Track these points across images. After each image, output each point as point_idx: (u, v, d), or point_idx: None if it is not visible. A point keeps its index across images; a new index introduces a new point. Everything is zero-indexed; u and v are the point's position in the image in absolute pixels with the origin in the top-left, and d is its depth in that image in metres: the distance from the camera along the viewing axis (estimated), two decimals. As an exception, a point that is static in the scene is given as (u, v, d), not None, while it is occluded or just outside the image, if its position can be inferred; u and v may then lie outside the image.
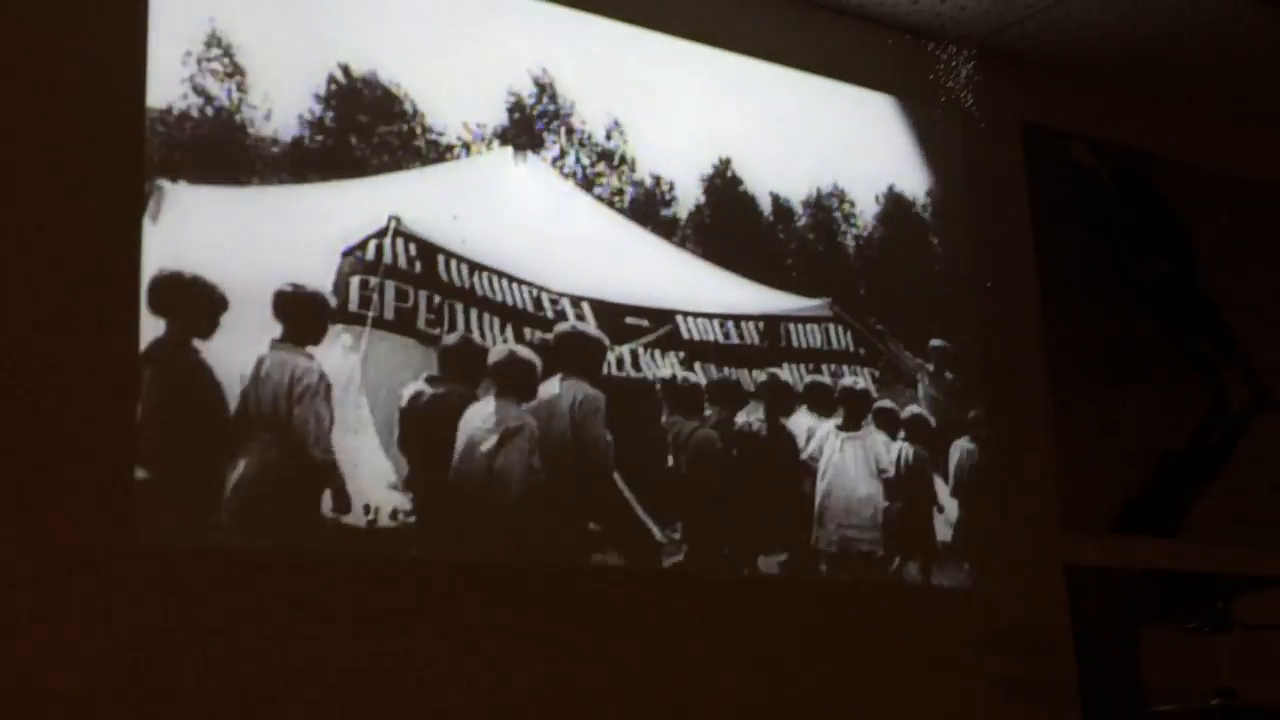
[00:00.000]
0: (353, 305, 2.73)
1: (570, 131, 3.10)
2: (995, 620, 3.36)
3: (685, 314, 3.17)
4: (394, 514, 2.67)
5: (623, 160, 3.17)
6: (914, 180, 3.63)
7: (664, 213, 3.21)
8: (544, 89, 3.08)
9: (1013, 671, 3.27)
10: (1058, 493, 3.59)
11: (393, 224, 2.79)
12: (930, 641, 3.24)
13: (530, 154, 3.03)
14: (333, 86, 2.78)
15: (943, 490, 3.45)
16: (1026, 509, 3.53)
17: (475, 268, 2.89)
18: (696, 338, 3.18)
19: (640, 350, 3.10)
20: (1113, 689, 3.47)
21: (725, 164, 3.31)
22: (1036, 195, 3.80)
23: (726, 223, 3.28)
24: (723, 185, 3.31)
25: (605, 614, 2.88)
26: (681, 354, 3.15)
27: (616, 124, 3.18)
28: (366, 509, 2.63)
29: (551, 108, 3.08)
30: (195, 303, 2.53)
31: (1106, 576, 3.59)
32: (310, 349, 2.64)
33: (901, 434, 3.40)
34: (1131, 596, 3.66)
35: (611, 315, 3.05)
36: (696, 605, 2.97)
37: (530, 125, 3.04)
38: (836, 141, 3.52)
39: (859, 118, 3.58)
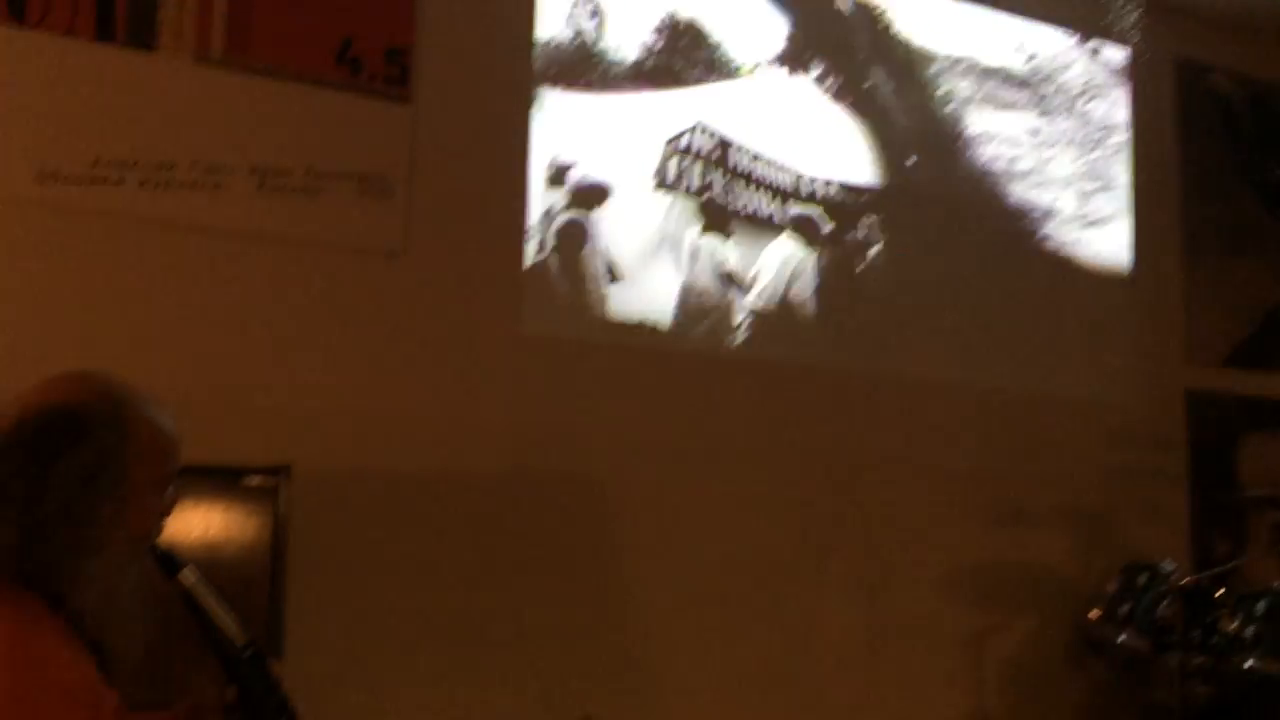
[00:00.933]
0: (669, 179, 3.88)
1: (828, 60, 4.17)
2: (1130, 425, 4.40)
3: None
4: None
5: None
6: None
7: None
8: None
9: (1137, 462, 4.33)
10: (1184, 332, 4.57)
11: (699, 123, 3.92)
12: (1072, 442, 4.30)
13: (799, 73, 4.12)
14: (663, 24, 3.89)
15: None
16: (1160, 343, 4.53)
17: (754, 157, 3.99)
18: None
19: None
20: (1214, 478, 4.49)
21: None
22: (1183, 113, 4.70)
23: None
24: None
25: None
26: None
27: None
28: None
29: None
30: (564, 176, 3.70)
31: (1216, 398, 4.57)
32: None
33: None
34: (1234, 414, 4.61)
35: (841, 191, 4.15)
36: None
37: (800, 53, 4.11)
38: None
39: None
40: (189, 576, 1.79)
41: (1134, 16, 4.57)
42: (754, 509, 3.77)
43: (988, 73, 4.41)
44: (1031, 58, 4.48)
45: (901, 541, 3.95)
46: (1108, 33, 4.56)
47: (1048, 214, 4.45)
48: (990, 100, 4.41)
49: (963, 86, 4.36)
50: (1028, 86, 4.49)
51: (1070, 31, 4.54)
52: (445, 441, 3.35)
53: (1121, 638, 3.74)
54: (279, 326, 3.16)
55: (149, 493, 1.69)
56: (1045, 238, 4.44)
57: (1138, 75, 4.64)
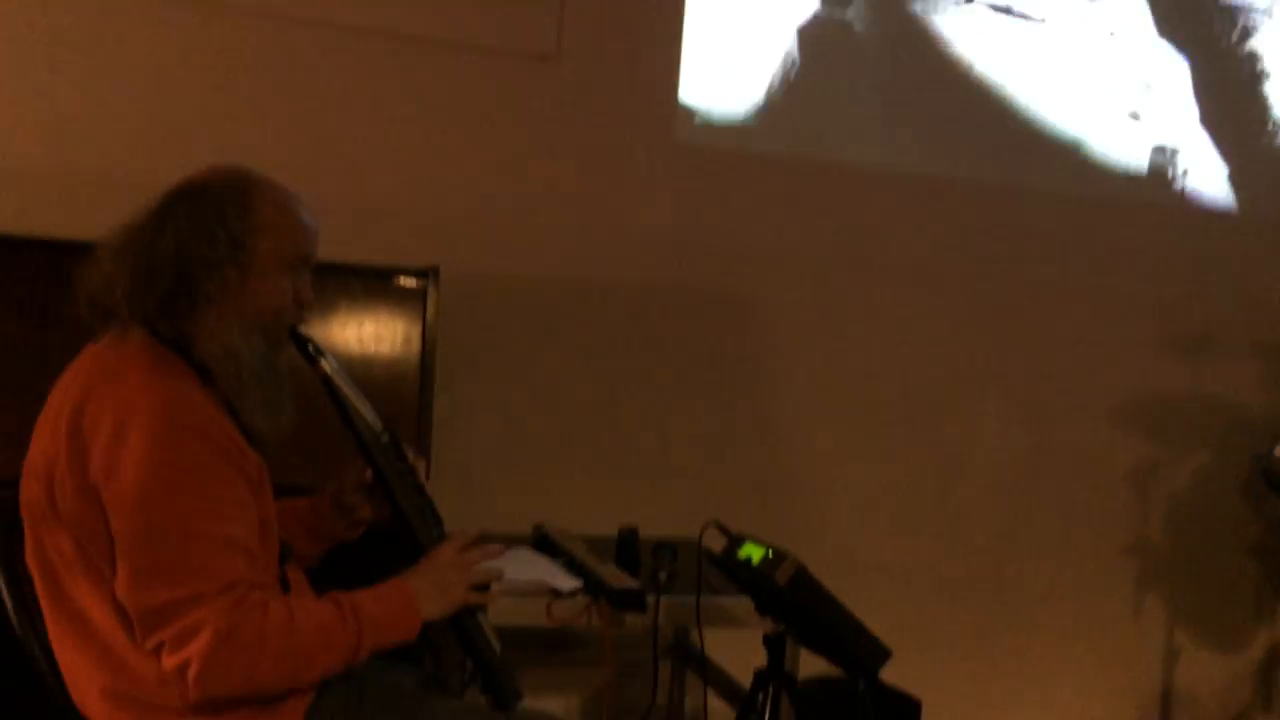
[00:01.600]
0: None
1: None
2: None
3: None
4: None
5: None
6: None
7: None
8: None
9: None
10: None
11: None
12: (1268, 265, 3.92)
13: None
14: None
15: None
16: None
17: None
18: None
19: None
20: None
21: None
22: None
23: None
24: None
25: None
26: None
27: None
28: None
29: None
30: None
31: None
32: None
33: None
34: None
35: None
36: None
37: None
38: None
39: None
40: (329, 364, 1.82)
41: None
42: (913, 330, 3.63)
43: None
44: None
45: (1069, 368, 3.77)
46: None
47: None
48: None
49: None
50: None
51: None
52: (594, 249, 3.31)
53: (1306, 472, 3.51)
54: (429, 129, 3.12)
55: (276, 270, 1.72)
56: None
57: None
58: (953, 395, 3.69)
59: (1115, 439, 3.83)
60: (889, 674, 2.64)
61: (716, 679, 3.07)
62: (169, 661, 1.54)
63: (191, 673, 1.53)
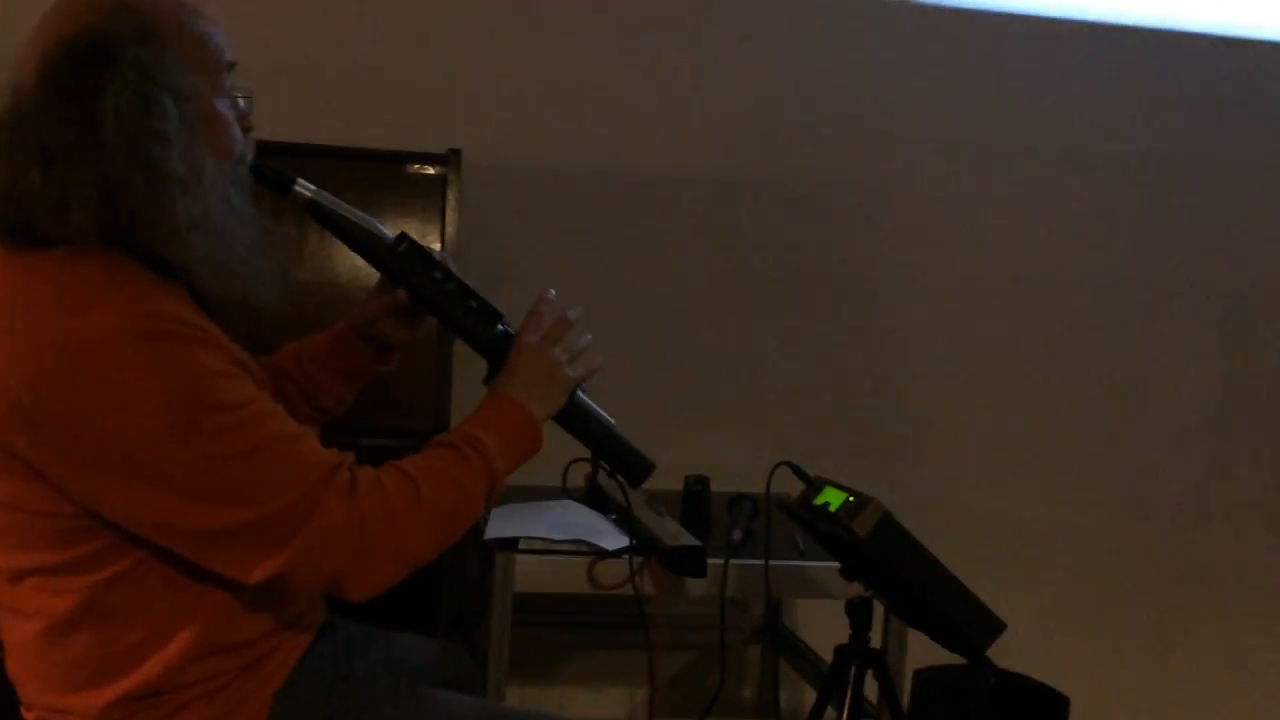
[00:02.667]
0: None
1: None
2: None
3: None
4: None
5: None
6: None
7: None
8: None
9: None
10: None
11: None
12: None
13: None
14: None
15: None
16: None
17: None
18: None
19: None
20: None
21: None
22: None
23: None
24: None
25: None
26: None
27: None
28: None
29: None
30: None
31: None
32: None
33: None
34: None
35: None
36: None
37: None
38: None
39: None
40: (305, 188, 1.71)
41: None
42: (1073, 226, 3.28)
43: None
44: None
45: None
46: None
47: None
48: None
49: None
50: None
51: None
52: (653, 129, 3.06)
53: None
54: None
55: (214, 104, 1.54)
56: None
57: None
58: (1128, 311, 3.34)
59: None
60: (1029, 662, 2.46)
61: (808, 663, 2.88)
62: (310, 583, 1.49)
63: (345, 584, 1.48)
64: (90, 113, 1.43)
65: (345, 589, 1.49)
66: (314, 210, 1.71)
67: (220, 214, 1.51)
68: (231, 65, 1.58)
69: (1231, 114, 3.34)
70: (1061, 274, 3.29)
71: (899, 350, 3.23)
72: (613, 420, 1.85)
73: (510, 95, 2.95)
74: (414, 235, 1.74)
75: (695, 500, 2.49)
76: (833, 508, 1.83)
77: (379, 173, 2.58)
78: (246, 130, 1.60)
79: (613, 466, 1.89)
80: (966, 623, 1.84)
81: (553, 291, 1.78)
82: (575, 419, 1.80)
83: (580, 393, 1.80)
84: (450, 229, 2.57)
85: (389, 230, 1.75)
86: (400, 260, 1.75)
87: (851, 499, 1.80)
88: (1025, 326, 3.28)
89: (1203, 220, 3.35)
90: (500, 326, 1.77)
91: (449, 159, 2.59)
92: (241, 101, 1.59)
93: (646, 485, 2.31)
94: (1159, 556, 3.39)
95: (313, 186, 1.71)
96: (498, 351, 1.75)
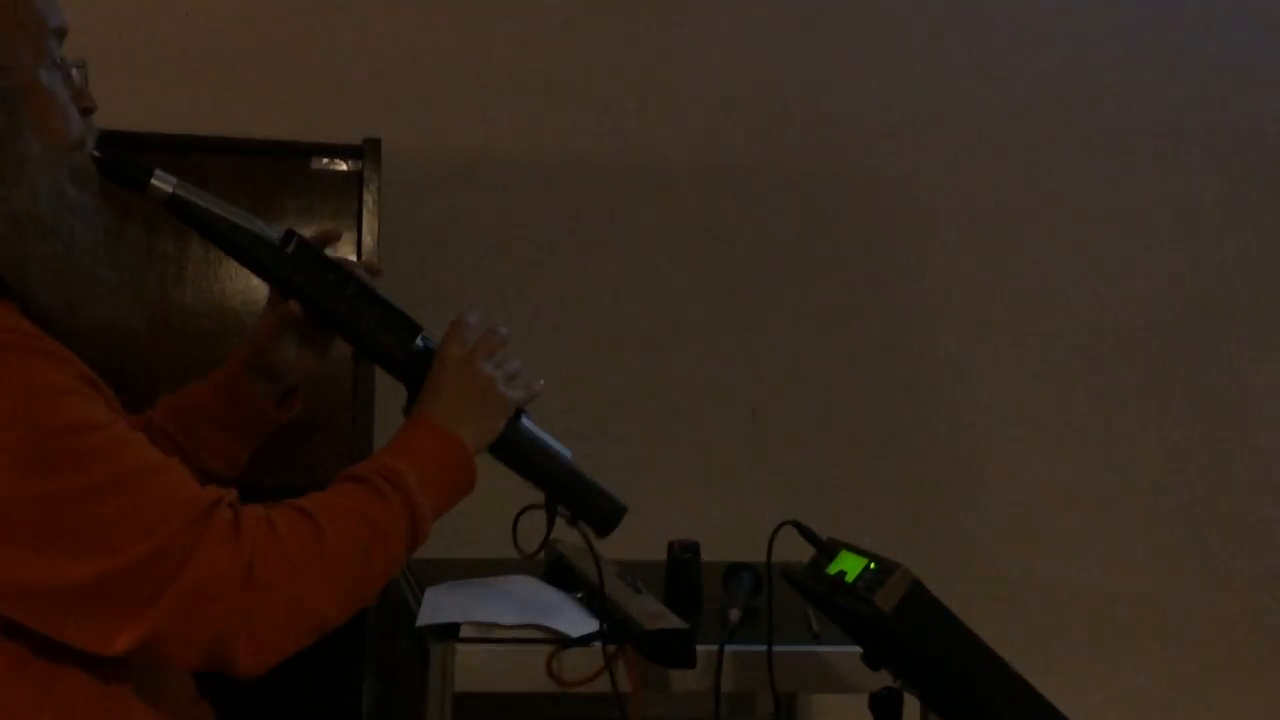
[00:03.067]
0: None
1: None
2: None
3: None
4: None
5: None
6: None
7: None
8: None
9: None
10: None
11: None
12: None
13: None
14: None
15: None
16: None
17: None
18: None
19: None
20: None
21: None
22: None
23: None
24: None
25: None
26: None
27: None
28: None
29: None
30: None
31: None
32: None
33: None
34: None
35: None
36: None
37: None
38: None
39: None
40: (165, 180, 1.60)
41: None
42: (1148, 231, 3.09)
43: None
44: None
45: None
46: None
47: None
48: None
49: None
50: None
51: None
52: (623, 112, 2.86)
53: None
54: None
55: (39, 78, 1.47)
56: None
57: None
58: (1217, 333, 3.13)
59: None
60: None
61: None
62: (189, 657, 1.37)
63: (229, 653, 1.35)
64: None
65: (232, 658, 1.36)
66: (177, 207, 1.61)
67: (51, 210, 1.43)
68: (61, 32, 1.51)
69: None
70: (1133, 284, 3.12)
71: (929, 381, 3.05)
72: (569, 452, 1.76)
73: (438, 75, 2.81)
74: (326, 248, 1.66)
75: (682, 571, 2.29)
76: (850, 577, 1.66)
77: (279, 169, 2.44)
78: (85, 111, 1.52)
79: (573, 513, 1.77)
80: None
81: (477, 307, 1.69)
82: (519, 452, 1.69)
83: (525, 420, 1.71)
84: (368, 237, 2.41)
85: (274, 230, 1.65)
86: (289, 263, 1.64)
87: (873, 566, 1.64)
88: (1091, 350, 3.11)
89: None
90: (420, 341, 1.67)
91: (365, 151, 2.43)
92: (75, 73, 1.50)
93: (621, 554, 2.20)
94: (1270, 632, 3.15)
95: (174, 179, 1.60)
96: (417, 372, 1.64)
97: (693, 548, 2.28)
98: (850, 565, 1.65)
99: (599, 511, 1.76)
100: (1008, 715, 1.65)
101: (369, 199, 2.41)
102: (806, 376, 2.98)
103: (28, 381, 1.32)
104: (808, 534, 1.79)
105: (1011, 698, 1.64)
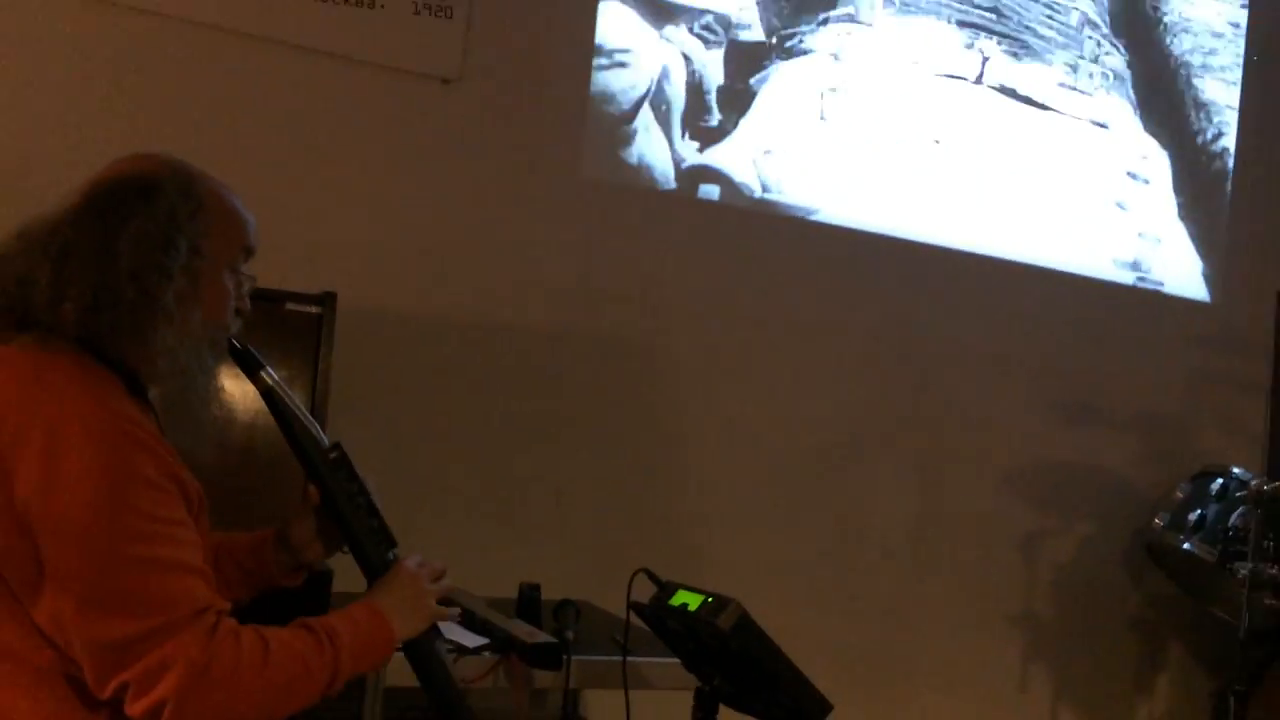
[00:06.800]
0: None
1: None
2: (1216, 327, 4.24)
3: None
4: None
5: None
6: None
7: None
8: None
9: (1219, 367, 4.18)
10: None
11: None
12: (1152, 340, 4.12)
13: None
14: None
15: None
16: (1255, 242, 4.34)
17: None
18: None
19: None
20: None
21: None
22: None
23: None
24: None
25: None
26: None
27: None
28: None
29: None
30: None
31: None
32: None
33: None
34: None
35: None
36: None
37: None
38: None
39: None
40: (269, 375, 1.74)
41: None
42: (815, 384, 3.65)
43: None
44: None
45: (964, 431, 3.86)
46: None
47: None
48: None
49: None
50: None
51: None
52: (493, 285, 3.27)
53: (1187, 545, 3.62)
54: (326, 145, 3.04)
55: (223, 274, 1.64)
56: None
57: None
58: (854, 452, 3.70)
59: (1005, 505, 3.91)
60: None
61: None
62: (137, 706, 1.43)
63: (167, 715, 1.43)
64: (113, 229, 1.53)
65: None
66: (270, 398, 1.73)
67: (188, 357, 1.58)
68: (250, 251, 1.70)
69: (926, 307, 3.84)
70: (808, 420, 3.65)
71: (683, 480, 3.48)
72: (456, 678, 1.86)
73: (377, 244, 3.06)
74: (288, 373, 1.77)
75: (529, 604, 2.57)
76: (692, 607, 1.90)
77: (260, 311, 2.46)
78: (239, 311, 1.69)
79: (437, 714, 1.82)
80: (805, 704, 1.91)
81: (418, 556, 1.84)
82: (423, 651, 1.77)
83: (439, 632, 1.82)
84: (322, 364, 2.58)
85: (326, 437, 1.80)
86: (328, 463, 1.77)
87: (710, 599, 1.89)
88: (777, 457, 3.60)
89: (906, 388, 3.80)
90: (392, 553, 1.80)
91: (323, 301, 2.62)
92: (245, 285, 1.69)
93: (489, 593, 2.52)
94: (870, 655, 3.68)
95: (275, 376, 1.75)
96: (373, 572, 1.77)
97: (536, 587, 2.57)
98: (690, 599, 1.89)
99: (458, 716, 1.79)
100: (796, 698, 1.88)
101: (325, 339, 2.56)
102: (598, 476, 3.34)
103: (126, 467, 1.43)
104: (654, 578, 2.01)
105: (797, 686, 1.88)
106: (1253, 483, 3.42)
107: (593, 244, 3.39)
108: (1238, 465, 3.79)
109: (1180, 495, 3.78)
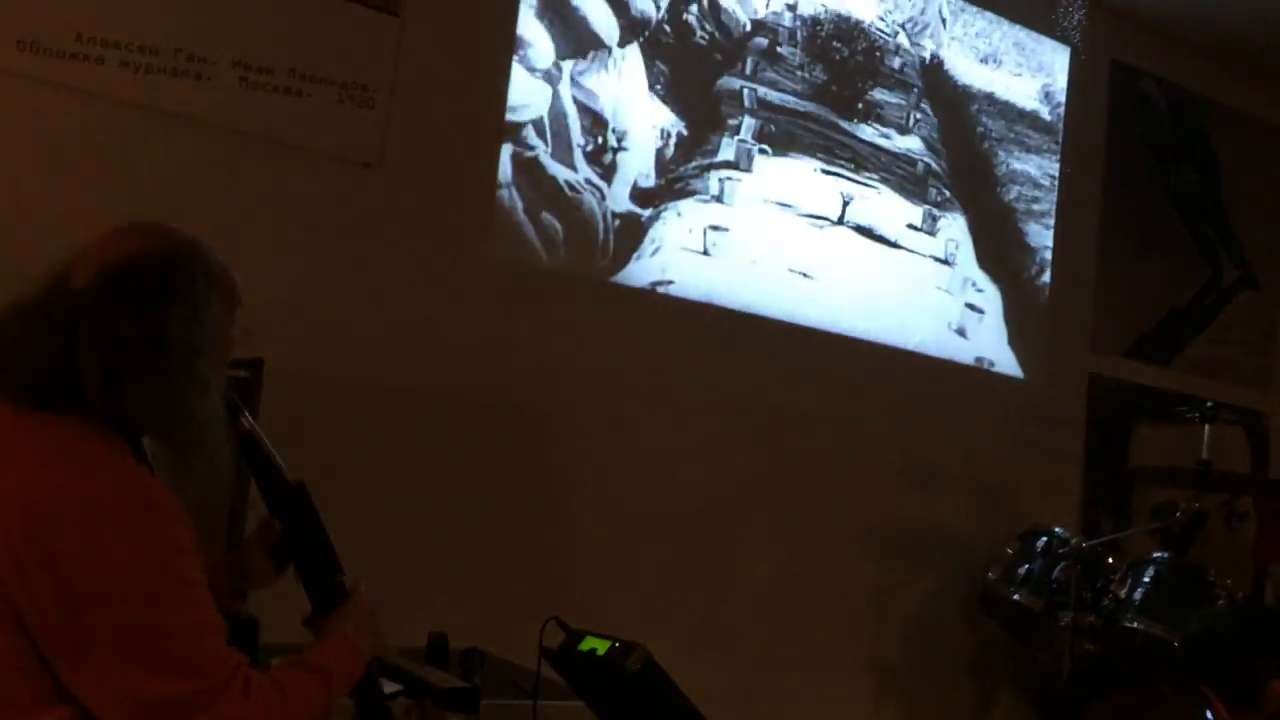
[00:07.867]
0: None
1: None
2: (1036, 402, 4.65)
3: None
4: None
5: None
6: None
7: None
8: None
9: (1039, 437, 4.59)
10: (1092, 321, 4.82)
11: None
12: (981, 413, 4.50)
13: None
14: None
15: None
16: (1070, 329, 4.77)
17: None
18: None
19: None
20: (1108, 458, 4.80)
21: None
22: (1111, 113, 4.92)
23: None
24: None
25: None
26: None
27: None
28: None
29: None
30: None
31: (1116, 385, 4.87)
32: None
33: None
34: (1131, 401, 4.89)
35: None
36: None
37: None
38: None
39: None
40: (248, 419, 1.79)
41: (1078, 16, 4.76)
42: (690, 452, 3.85)
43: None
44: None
45: (819, 494, 4.10)
46: (1052, 30, 4.74)
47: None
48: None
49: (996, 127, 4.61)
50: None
51: (1016, 24, 4.67)
52: (404, 355, 3.38)
53: (1016, 596, 3.99)
54: (254, 222, 3.11)
55: (230, 332, 1.72)
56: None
57: (1075, 74, 4.81)
58: (728, 516, 3.91)
59: (858, 562, 4.19)
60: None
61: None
62: None
63: None
64: (158, 318, 1.57)
65: None
66: (246, 440, 1.79)
67: (210, 414, 1.64)
68: (240, 303, 1.78)
69: (795, 386, 4.06)
70: (685, 485, 3.85)
71: (566, 530, 3.62)
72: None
73: (300, 313, 3.14)
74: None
75: (438, 653, 2.60)
76: (600, 652, 1.99)
77: None
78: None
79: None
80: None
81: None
82: (369, 679, 1.85)
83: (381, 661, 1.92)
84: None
85: (291, 474, 1.88)
86: (293, 500, 1.84)
87: (617, 644, 1.98)
88: (657, 520, 3.78)
89: (771, 454, 4.01)
90: (339, 577, 1.87)
91: (253, 365, 2.62)
92: (237, 335, 1.76)
93: (401, 643, 2.47)
94: (738, 699, 3.72)
95: (251, 419, 1.82)
96: (328, 599, 1.83)
97: (444, 636, 2.58)
98: (599, 645, 1.97)
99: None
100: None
101: (255, 403, 2.56)
102: (496, 533, 3.45)
103: (166, 539, 1.50)
104: (564, 626, 2.11)
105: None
106: (1073, 541, 3.81)
107: (498, 318, 3.55)
108: (1059, 525, 4.16)
109: (1010, 551, 4.12)
